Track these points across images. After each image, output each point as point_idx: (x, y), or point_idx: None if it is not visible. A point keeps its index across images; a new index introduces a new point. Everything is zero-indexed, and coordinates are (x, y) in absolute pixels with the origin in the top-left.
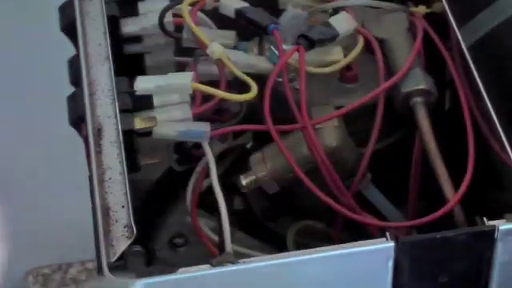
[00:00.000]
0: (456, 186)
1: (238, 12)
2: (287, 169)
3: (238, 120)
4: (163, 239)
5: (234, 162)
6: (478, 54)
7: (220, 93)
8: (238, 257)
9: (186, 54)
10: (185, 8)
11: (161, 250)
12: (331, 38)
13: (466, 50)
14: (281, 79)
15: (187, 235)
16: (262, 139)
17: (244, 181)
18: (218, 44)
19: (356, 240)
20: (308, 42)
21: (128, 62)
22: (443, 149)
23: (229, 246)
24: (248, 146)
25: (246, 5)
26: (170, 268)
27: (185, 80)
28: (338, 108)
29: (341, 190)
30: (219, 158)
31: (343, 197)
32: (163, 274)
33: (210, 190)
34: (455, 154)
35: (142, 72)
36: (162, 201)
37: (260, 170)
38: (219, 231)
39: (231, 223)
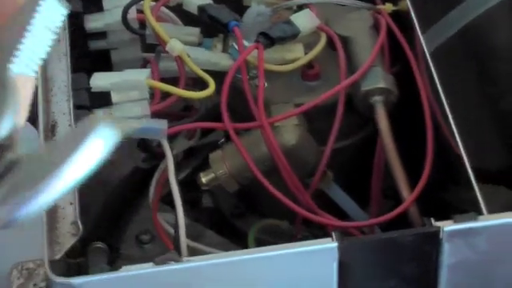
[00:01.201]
0: (415, 185)
1: (201, 9)
2: (246, 167)
3: (198, 117)
4: (130, 236)
5: (205, 159)
6: (441, 57)
7: (177, 90)
8: (195, 254)
9: (154, 50)
10: (146, 4)
11: (127, 247)
12: (292, 35)
13: (428, 54)
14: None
15: (154, 232)
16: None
17: (203, 179)
18: (177, 41)
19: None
20: (267, 39)
21: (95, 58)
22: (404, 148)
23: (183, 242)
24: (220, 142)
25: (209, 1)
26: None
27: (140, 77)
28: (299, 106)
29: (299, 190)
30: (189, 155)
31: (302, 196)
32: (104, 272)
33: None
34: (415, 154)
35: (110, 68)
36: (130, 198)
37: (219, 168)
38: (175, 228)
39: (200, 221)
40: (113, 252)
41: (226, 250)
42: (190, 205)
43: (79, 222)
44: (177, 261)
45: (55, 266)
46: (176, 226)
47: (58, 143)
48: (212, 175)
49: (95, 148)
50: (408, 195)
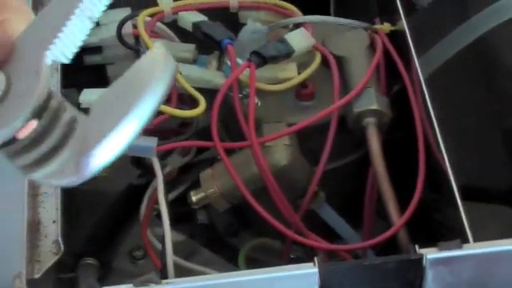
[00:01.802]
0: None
1: (195, 26)
2: (236, 187)
3: (191, 135)
4: (123, 252)
5: None
6: (439, 79)
7: (167, 108)
8: (183, 274)
9: None
10: (140, 20)
11: (120, 263)
12: (286, 54)
13: (422, 79)
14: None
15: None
16: (232, 152)
17: (193, 197)
18: (170, 57)
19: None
20: (260, 58)
21: (89, 73)
22: (397, 169)
23: (170, 262)
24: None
25: (204, 18)
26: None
27: None
28: (292, 125)
29: (289, 211)
30: (184, 172)
31: (291, 218)
32: None
33: (175, 202)
34: (408, 176)
35: (106, 83)
36: (124, 214)
37: (209, 187)
38: (162, 246)
39: (195, 237)
40: (104, 267)
41: (219, 268)
42: (185, 221)
43: (60, 241)
44: (156, 283)
45: (33, 285)
46: (163, 246)
47: (125, 78)
48: (202, 194)
49: (166, 77)
50: (397, 219)
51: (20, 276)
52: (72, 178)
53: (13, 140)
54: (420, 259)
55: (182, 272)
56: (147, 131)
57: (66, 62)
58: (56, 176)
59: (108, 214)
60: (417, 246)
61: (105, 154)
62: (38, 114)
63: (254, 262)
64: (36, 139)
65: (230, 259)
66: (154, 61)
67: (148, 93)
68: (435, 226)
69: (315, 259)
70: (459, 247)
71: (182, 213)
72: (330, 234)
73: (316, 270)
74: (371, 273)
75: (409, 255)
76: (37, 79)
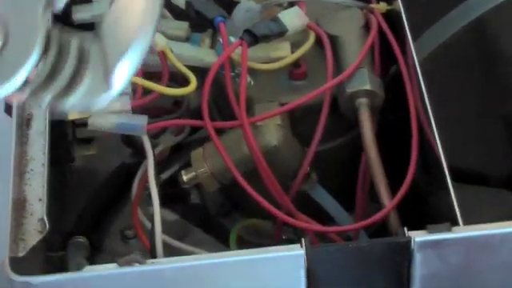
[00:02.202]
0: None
1: (188, 3)
2: (227, 168)
3: (182, 113)
4: (115, 231)
5: None
6: (434, 63)
7: (156, 86)
8: (174, 254)
9: None
10: None
11: (111, 242)
12: (278, 33)
13: (417, 63)
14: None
15: None
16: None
17: (184, 177)
18: (160, 35)
19: None
20: (251, 37)
21: None
22: (389, 151)
23: (159, 241)
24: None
25: None
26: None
27: None
28: (284, 105)
29: (279, 193)
30: (178, 151)
31: (281, 199)
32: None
33: (171, 181)
34: (401, 158)
35: None
36: (116, 193)
37: (200, 167)
38: (151, 226)
39: (187, 217)
40: (95, 247)
41: (211, 248)
42: (178, 201)
43: (45, 219)
44: (141, 263)
45: (17, 264)
46: (152, 226)
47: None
48: (193, 173)
49: None
50: (388, 202)
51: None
52: (105, 96)
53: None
54: (408, 242)
55: (173, 252)
56: (138, 109)
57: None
58: (89, 97)
59: (99, 192)
60: (405, 229)
61: (126, 68)
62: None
63: (246, 243)
64: (53, 69)
65: (222, 240)
66: None
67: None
68: (427, 210)
69: (302, 240)
70: (448, 230)
71: (175, 193)
72: (322, 217)
73: (303, 251)
74: (359, 255)
75: (397, 238)
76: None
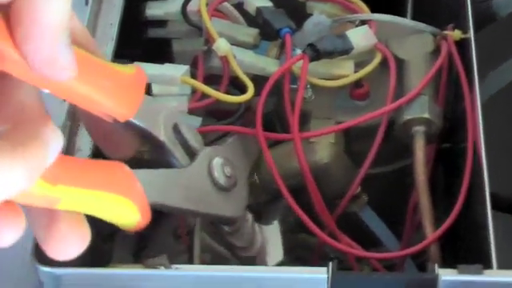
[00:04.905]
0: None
1: (258, 11)
2: (273, 179)
3: (233, 120)
4: (167, 228)
5: None
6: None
7: (211, 91)
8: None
9: None
10: None
11: (162, 238)
12: (342, 51)
13: (479, 105)
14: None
15: (191, 226)
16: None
17: None
18: (224, 41)
19: None
20: (314, 51)
21: (148, 47)
22: (442, 181)
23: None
24: None
25: (269, 4)
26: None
27: (176, 73)
28: (340, 124)
29: (324, 212)
30: None
31: (326, 219)
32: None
33: None
34: (451, 191)
35: (170, 58)
36: None
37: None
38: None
39: None
40: (143, 241)
41: None
42: None
43: None
44: (166, 267)
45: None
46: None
47: None
48: None
49: None
50: (430, 233)
51: None
52: None
53: None
54: (434, 279)
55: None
56: (202, 111)
57: None
58: None
59: None
60: (436, 265)
61: None
62: None
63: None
64: None
65: None
66: None
67: None
68: (465, 246)
69: (329, 265)
70: (479, 273)
71: None
72: (365, 242)
73: (325, 276)
74: (383, 287)
75: (424, 274)
76: None
